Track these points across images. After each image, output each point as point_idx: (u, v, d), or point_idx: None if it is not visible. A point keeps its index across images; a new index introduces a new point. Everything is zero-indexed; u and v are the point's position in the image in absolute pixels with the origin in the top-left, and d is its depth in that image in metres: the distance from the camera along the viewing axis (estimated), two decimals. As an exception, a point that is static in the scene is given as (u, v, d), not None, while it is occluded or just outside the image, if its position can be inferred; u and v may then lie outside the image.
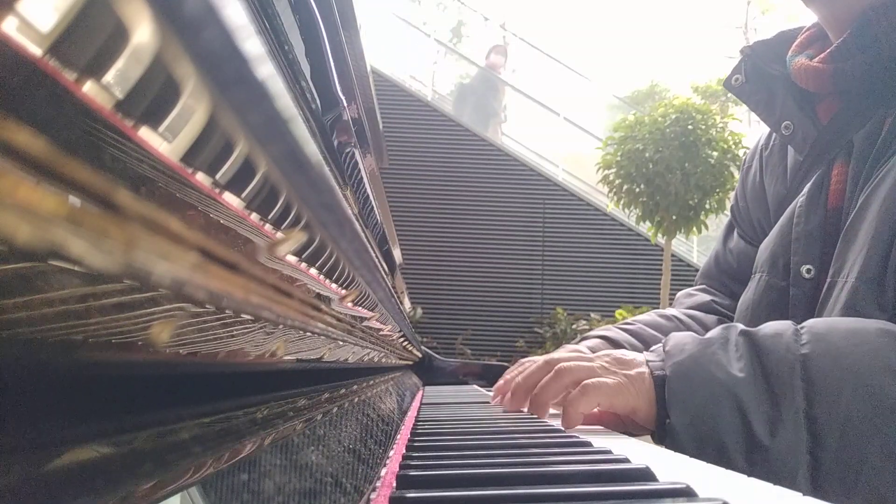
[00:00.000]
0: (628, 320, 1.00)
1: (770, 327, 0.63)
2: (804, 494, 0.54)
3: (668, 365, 0.64)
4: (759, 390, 0.59)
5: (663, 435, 0.62)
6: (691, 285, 1.08)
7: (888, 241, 0.65)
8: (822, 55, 0.77)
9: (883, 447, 0.53)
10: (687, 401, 0.61)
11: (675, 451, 0.60)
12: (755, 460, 0.57)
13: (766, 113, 0.85)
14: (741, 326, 0.65)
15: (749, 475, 0.56)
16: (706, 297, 1.01)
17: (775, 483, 0.54)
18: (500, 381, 0.86)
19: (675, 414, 0.61)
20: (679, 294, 1.09)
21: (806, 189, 0.79)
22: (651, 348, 0.71)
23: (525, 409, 0.74)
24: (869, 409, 0.54)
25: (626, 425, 0.69)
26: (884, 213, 0.66)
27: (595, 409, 0.67)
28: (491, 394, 0.91)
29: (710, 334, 0.66)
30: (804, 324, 0.62)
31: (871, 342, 0.57)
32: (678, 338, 0.67)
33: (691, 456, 0.59)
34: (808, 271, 0.77)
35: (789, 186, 0.85)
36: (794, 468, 0.55)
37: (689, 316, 1.00)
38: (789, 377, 0.58)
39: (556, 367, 0.69)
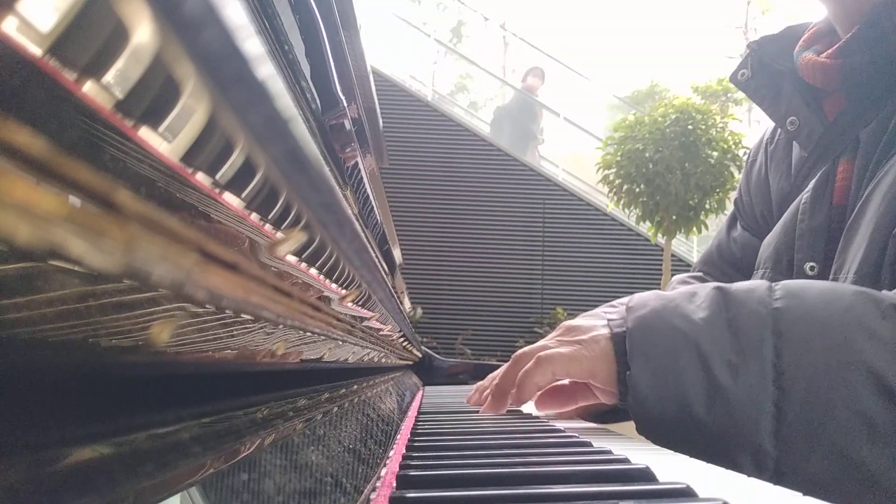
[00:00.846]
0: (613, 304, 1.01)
1: (744, 284, 0.63)
2: (765, 447, 0.54)
3: (630, 319, 0.63)
4: (722, 338, 0.58)
5: (625, 392, 0.62)
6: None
7: (885, 237, 0.65)
8: (830, 50, 0.77)
9: (848, 402, 0.53)
10: (648, 352, 0.60)
11: (637, 406, 0.60)
12: (716, 408, 0.56)
13: (771, 108, 0.85)
14: (714, 283, 0.64)
15: (710, 427, 0.56)
16: None
17: (738, 437, 0.54)
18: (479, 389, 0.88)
19: (635, 366, 0.60)
20: (674, 279, 1.07)
21: (811, 186, 0.79)
22: (612, 304, 0.71)
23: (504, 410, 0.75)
24: (838, 364, 0.54)
25: (600, 412, 0.70)
26: (884, 209, 0.66)
27: (552, 380, 0.67)
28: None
29: (676, 292, 0.66)
30: (779, 283, 0.61)
31: (845, 299, 0.57)
32: (641, 295, 0.67)
33: (653, 410, 0.59)
34: (812, 268, 0.76)
35: (793, 182, 0.85)
36: (756, 418, 0.55)
37: None
38: (759, 329, 0.57)
39: (512, 357, 0.70)
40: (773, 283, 0.61)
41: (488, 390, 0.76)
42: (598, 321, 0.68)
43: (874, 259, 0.65)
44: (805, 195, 0.79)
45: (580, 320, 0.70)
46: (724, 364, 0.57)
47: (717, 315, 0.59)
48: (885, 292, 0.58)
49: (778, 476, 0.54)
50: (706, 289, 0.63)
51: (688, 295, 0.63)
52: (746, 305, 0.59)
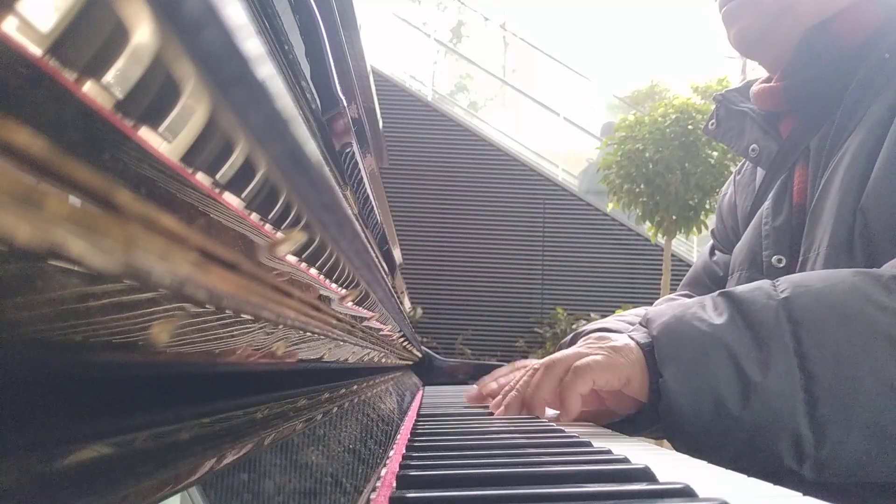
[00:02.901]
0: (623, 314, 1.03)
1: (746, 285, 0.66)
2: (803, 433, 0.55)
3: (653, 328, 0.66)
4: (744, 337, 0.60)
5: (657, 400, 0.63)
6: None
7: (852, 210, 0.70)
8: (775, 76, 0.88)
9: (875, 373, 0.55)
10: (677, 356, 0.62)
11: (670, 412, 0.62)
12: (752, 404, 0.58)
13: (736, 143, 0.95)
14: (714, 293, 0.67)
15: (747, 423, 0.57)
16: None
17: (776, 427, 0.56)
18: (493, 385, 0.88)
19: (667, 370, 0.62)
20: (659, 301, 1.11)
21: (771, 194, 0.87)
22: (633, 327, 0.73)
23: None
24: (857, 338, 0.56)
25: (616, 413, 0.70)
26: (846, 187, 0.71)
27: (591, 388, 0.66)
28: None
29: (685, 301, 0.69)
30: (778, 279, 0.65)
31: (847, 280, 0.60)
32: (656, 308, 0.71)
33: (687, 414, 0.61)
34: (780, 261, 0.83)
35: (755, 198, 0.93)
36: (792, 407, 0.57)
37: None
38: (774, 321, 0.59)
39: (543, 363, 0.70)
40: (774, 280, 0.64)
41: (511, 395, 0.74)
42: (623, 335, 0.69)
43: (844, 232, 0.70)
44: (766, 202, 0.87)
45: (610, 333, 0.72)
46: (752, 360, 0.59)
47: (733, 316, 0.62)
48: (880, 269, 0.61)
49: (819, 464, 0.56)
50: (710, 297, 0.66)
51: (698, 304, 0.66)
52: (756, 302, 0.62)
